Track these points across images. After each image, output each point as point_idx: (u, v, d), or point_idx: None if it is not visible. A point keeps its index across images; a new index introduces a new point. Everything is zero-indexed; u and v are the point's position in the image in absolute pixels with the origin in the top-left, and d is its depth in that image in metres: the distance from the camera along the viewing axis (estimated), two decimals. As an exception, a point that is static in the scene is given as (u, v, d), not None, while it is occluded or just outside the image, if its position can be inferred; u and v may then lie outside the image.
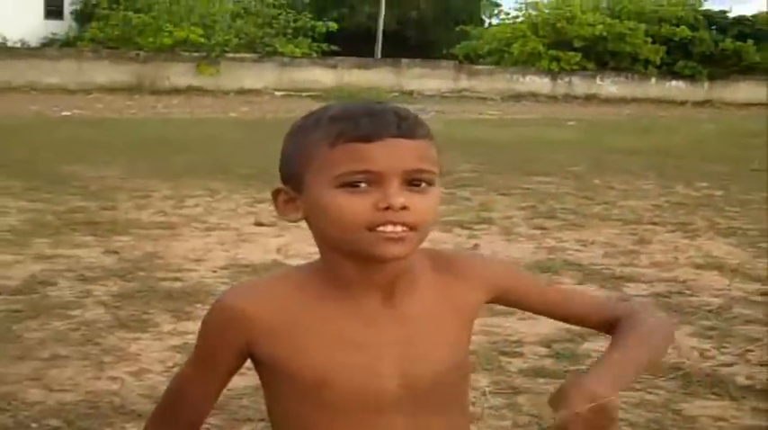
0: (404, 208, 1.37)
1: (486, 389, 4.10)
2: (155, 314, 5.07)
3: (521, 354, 4.59)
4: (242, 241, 7.21)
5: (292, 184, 1.47)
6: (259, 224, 7.74)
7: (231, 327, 1.48)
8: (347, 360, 1.46)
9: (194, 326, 4.83)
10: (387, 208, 1.37)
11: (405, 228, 1.38)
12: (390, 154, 1.38)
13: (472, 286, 1.55)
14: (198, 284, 5.76)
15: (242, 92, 29.71)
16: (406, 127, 1.40)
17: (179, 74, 30.06)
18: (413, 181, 1.40)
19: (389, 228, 1.38)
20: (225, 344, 1.50)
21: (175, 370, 4.19)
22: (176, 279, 5.87)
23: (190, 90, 29.29)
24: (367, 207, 1.38)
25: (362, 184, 1.38)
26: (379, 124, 1.39)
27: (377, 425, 1.47)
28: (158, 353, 4.45)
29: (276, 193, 1.50)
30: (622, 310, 1.62)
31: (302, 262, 5.93)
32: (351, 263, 1.44)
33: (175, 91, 28.82)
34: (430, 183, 1.42)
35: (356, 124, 1.39)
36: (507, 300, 1.62)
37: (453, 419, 1.54)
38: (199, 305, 5.27)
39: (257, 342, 1.48)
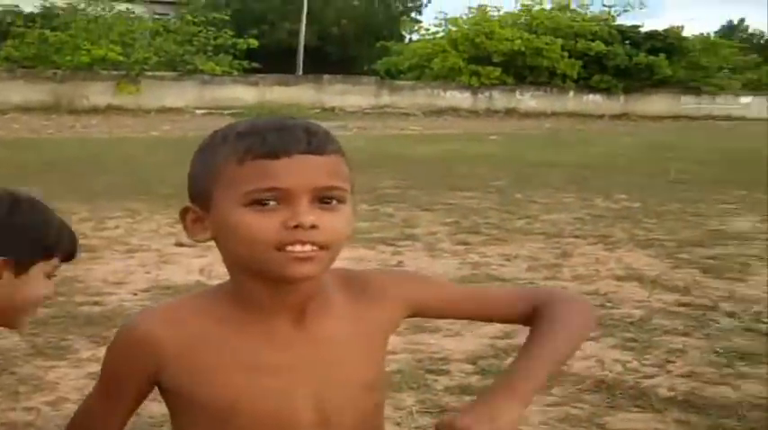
0: (313, 226, 1.34)
1: (413, 408, 4.09)
2: (73, 340, 4.96)
3: (447, 372, 4.60)
4: (163, 262, 7.11)
5: (200, 203, 1.41)
6: (180, 245, 7.64)
7: (139, 353, 1.43)
8: (259, 385, 1.41)
9: (115, 353, 4.74)
10: (296, 226, 1.33)
11: (314, 248, 1.34)
12: (299, 171, 1.34)
13: (386, 306, 1.51)
14: (118, 308, 5.65)
15: (163, 110, 29.34)
16: (316, 143, 1.37)
17: (98, 93, 29.56)
18: (323, 198, 1.36)
19: (298, 247, 1.33)
20: (132, 370, 1.45)
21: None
22: (96, 303, 5.75)
23: (109, 109, 28.81)
24: (275, 226, 1.34)
25: (271, 202, 1.34)
26: (288, 140, 1.35)
27: None
28: (76, 381, 4.35)
29: (184, 212, 1.44)
30: (541, 298, 1.57)
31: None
32: (261, 284, 1.40)
33: (94, 110, 28.30)
34: (341, 201, 1.39)
35: (263, 140, 1.35)
36: (426, 312, 1.59)
37: None
38: (117, 330, 5.16)
39: (166, 368, 1.43)
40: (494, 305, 1.61)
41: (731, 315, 5.80)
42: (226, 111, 29.06)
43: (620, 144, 20.42)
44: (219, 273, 6.25)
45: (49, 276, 1.78)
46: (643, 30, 39.10)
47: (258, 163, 1.34)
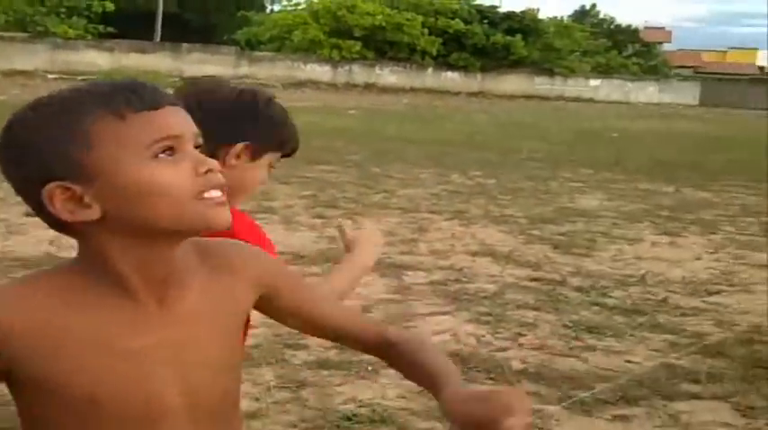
0: (218, 170, 1.29)
1: (271, 383, 4.08)
2: None
3: (305, 346, 4.60)
4: (11, 233, 6.84)
5: (73, 178, 1.25)
6: (29, 215, 7.36)
7: None
8: (119, 371, 1.32)
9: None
10: (207, 171, 1.27)
11: (222, 193, 1.29)
12: (179, 118, 1.29)
13: (244, 281, 1.44)
14: (-38, 281, 5.40)
15: (11, 73, 28.12)
16: (172, 96, 1.33)
17: (-61, 52, 28.15)
18: (197, 145, 1.30)
19: (214, 193, 1.27)
20: None
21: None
22: (-63, 275, 5.49)
23: (-49, 70, 27.49)
24: (188, 174, 1.26)
25: (169, 154, 1.26)
26: (156, 93, 1.28)
27: None
28: None
29: (50, 196, 1.24)
30: (397, 335, 1.54)
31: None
32: (135, 257, 1.29)
33: (-66, 70, 26.98)
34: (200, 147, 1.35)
35: (136, 94, 1.26)
36: (272, 298, 1.49)
37: (231, 423, 1.50)
38: (-37, 303, 4.94)
39: (15, 357, 1.29)
40: (351, 324, 1.54)
41: (579, 289, 6.01)
42: (79, 77, 28.11)
43: (475, 121, 20.85)
44: (71, 243, 6.07)
45: (270, 167, 2.00)
46: (501, 10, 39.97)
47: (145, 115, 1.25)
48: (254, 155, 1.95)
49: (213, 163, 1.28)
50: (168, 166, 1.25)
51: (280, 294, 1.49)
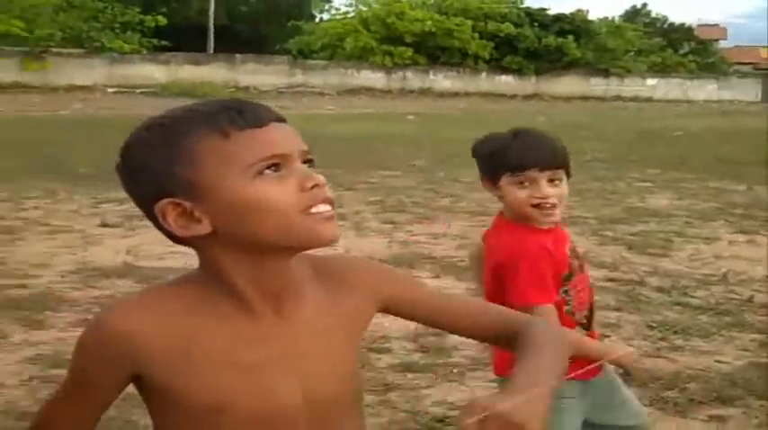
0: (325, 184, 1.31)
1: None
2: (3, 324, 4.80)
3: (389, 350, 4.59)
4: (88, 244, 6.93)
5: (183, 195, 1.30)
6: (105, 225, 7.47)
7: (115, 351, 1.32)
8: (241, 382, 1.36)
9: (47, 336, 4.60)
10: (313, 187, 1.29)
11: (331, 207, 1.31)
12: (286, 135, 1.32)
13: (360, 295, 1.46)
14: (46, 290, 5.49)
15: (72, 88, 28.64)
16: (276, 113, 1.35)
17: (3, 69, 28.69)
18: (306, 162, 1.33)
19: (322, 207, 1.29)
20: (107, 369, 1.34)
21: (33, 383, 3.98)
22: (22, 286, 5.58)
23: (16, 86, 28.00)
24: (294, 190, 1.28)
25: (275, 170, 1.29)
26: (260, 111, 1.32)
27: None
28: (12, 366, 4.21)
29: (162, 212, 1.30)
30: (519, 323, 1.51)
31: (154, 264, 5.75)
32: (249, 270, 1.33)
33: (0, 87, 27.48)
34: (313, 165, 1.36)
35: (241, 113, 1.30)
36: (397, 309, 1.51)
37: (354, 425, 1.50)
38: (49, 313, 5.02)
39: (146, 367, 1.33)
40: (471, 318, 1.53)
41: (660, 289, 5.93)
42: (138, 90, 28.54)
43: (534, 124, 20.58)
44: (148, 253, 6.20)
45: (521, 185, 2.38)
46: (550, 12, 39.72)
47: (249, 132, 1.29)
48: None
49: (320, 178, 1.30)
50: (273, 183, 1.28)
51: (402, 305, 1.50)
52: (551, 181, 2.38)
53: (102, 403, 1.40)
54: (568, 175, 2.47)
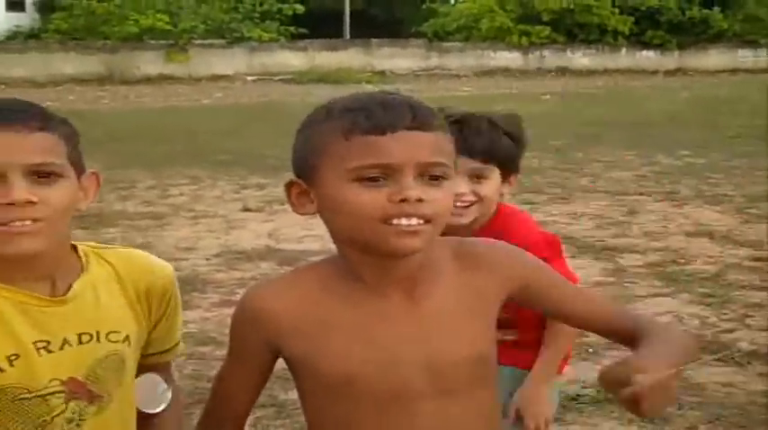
0: (419, 200, 1.36)
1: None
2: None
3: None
4: (231, 228, 7.17)
5: (305, 177, 1.44)
6: (247, 209, 7.70)
7: (257, 326, 1.48)
8: (370, 357, 1.44)
9: (194, 315, 4.80)
10: (401, 200, 1.35)
11: (420, 221, 1.37)
12: (405, 146, 1.36)
13: (495, 277, 1.51)
14: (193, 273, 5.72)
15: (213, 78, 29.48)
16: (420, 119, 1.38)
17: (148, 62, 29.77)
18: (428, 174, 1.38)
19: (404, 220, 1.36)
20: (252, 340, 1.50)
21: (180, 360, 4.16)
22: (170, 269, 5.82)
23: (161, 78, 29.02)
24: (382, 200, 1.35)
25: (378, 177, 1.36)
26: (393, 116, 1.37)
27: (406, 414, 1.46)
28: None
29: (289, 186, 1.47)
30: (645, 322, 1.54)
31: (294, 246, 5.91)
32: (368, 257, 1.43)
33: (146, 79, 28.54)
34: (444, 177, 1.40)
35: (369, 115, 1.37)
36: (528, 295, 1.54)
37: (482, 409, 1.52)
38: (196, 294, 5.23)
39: (283, 340, 1.48)
40: (600, 313, 1.56)
41: (808, 269, 5.71)
42: (276, 77, 29.14)
43: (677, 100, 20.12)
44: (288, 236, 6.37)
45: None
46: (695, -17, 38.34)
47: (365, 138, 1.36)
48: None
49: (410, 194, 1.35)
50: (365, 190, 1.36)
51: (531, 291, 1.53)
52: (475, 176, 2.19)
53: (253, 369, 1.54)
54: (505, 172, 2.30)
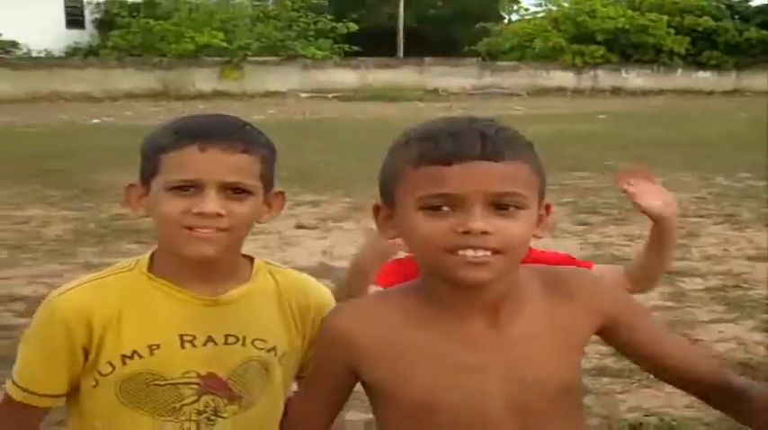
0: (484, 232, 1.33)
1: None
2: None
3: (584, 354, 4.50)
4: (286, 244, 7.18)
5: (387, 203, 1.46)
6: (301, 227, 7.71)
7: (340, 348, 1.48)
8: (453, 384, 1.42)
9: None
10: (465, 232, 1.34)
11: (487, 253, 1.34)
12: (471, 177, 1.34)
13: (583, 308, 1.47)
14: (247, 290, 5.71)
15: (267, 95, 29.73)
16: (491, 149, 1.35)
17: (203, 79, 30.14)
18: (498, 204, 1.35)
19: (470, 252, 1.34)
20: (334, 362, 1.51)
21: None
22: (226, 285, 5.83)
23: (215, 94, 29.34)
24: (444, 230, 1.35)
25: (444, 208, 1.35)
26: (461, 145, 1.35)
27: None
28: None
29: (376, 210, 1.49)
30: (733, 378, 1.51)
31: (347, 264, 5.84)
32: (445, 284, 1.40)
33: (201, 96, 28.87)
34: (519, 206, 1.36)
35: (436, 145, 1.36)
36: (616, 332, 1.49)
37: None
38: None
39: (363, 364, 1.47)
40: (691, 363, 1.50)
41: None
42: (330, 95, 29.31)
43: (735, 121, 19.84)
44: (341, 254, 6.33)
45: None
46: (753, 4, 37.89)
47: (431, 169, 1.36)
48: None
49: (473, 226, 1.33)
50: (430, 220, 1.36)
51: (620, 328, 1.49)
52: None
53: (331, 392, 1.55)
54: None
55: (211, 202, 1.57)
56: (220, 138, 1.58)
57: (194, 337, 1.65)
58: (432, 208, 1.35)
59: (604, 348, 4.59)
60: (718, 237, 7.42)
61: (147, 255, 1.70)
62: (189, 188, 1.58)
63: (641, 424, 3.75)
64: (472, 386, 1.42)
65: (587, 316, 1.47)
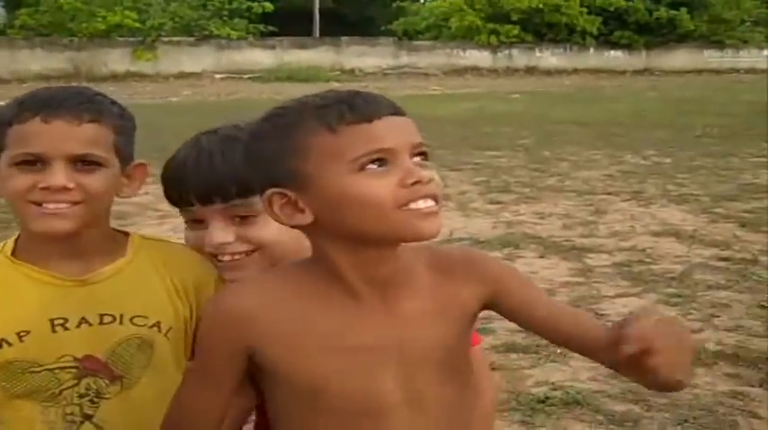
0: (431, 180, 1.31)
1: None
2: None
3: (492, 331, 4.57)
4: (197, 227, 7.10)
5: (291, 186, 1.34)
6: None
7: (234, 330, 1.40)
8: (345, 365, 1.39)
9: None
10: (415, 182, 1.30)
11: (434, 202, 1.32)
12: (397, 130, 1.32)
13: (466, 281, 1.46)
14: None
15: (181, 76, 29.33)
16: (395, 105, 1.36)
17: (116, 60, 29.57)
18: (417, 154, 1.33)
19: (422, 203, 1.30)
20: (226, 345, 1.42)
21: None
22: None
23: (128, 75, 28.83)
24: (392, 186, 1.29)
25: (380, 165, 1.30)
26: (375, 104, 1.33)
27: (377, 428, 1.41)
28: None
29: (269, 201, 1.36)
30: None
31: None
32: (360, 256, 1.36)
33: (113, 77, 28.32)
34: (426, 157, 1.36)
35: (352, 106, 1.32)
36: (503, 304, 1.46)
37: (455, 419, 1.48)
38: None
39: (256, 343, 1.40)
40: (582, 326, 1.44)
41: (774, 268, 5.74)
42: (245, 76, 29.04)
43: (644, 100, 20.27)
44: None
45: None
46: (663, -16, 38.65)
47: (356, 127, 1.31)
48: None
49: (422, 174, 1.31)
50: (374, 178, 1.30)
51: (504, 297, 1.47)
52: None
53: (226, 378, 1.45)
54: None
55: (58, 175, 1.51)
56: (66, 108, 1.52)
57: (66, 320, 1.59)
58: (371, 167, 1.30)
59: (512, 325, 4.68)
60: (624, 213, 7.57)
61: (13, 238, 1.64)
62: (35, 163, 1.52)
63: (548, 397, 3.81)
64: (362, 367, 1.39)
65: (471, 288, 1.46)
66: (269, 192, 1.36)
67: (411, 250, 1.41)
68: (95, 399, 1.62)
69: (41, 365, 1.58)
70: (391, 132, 1.32)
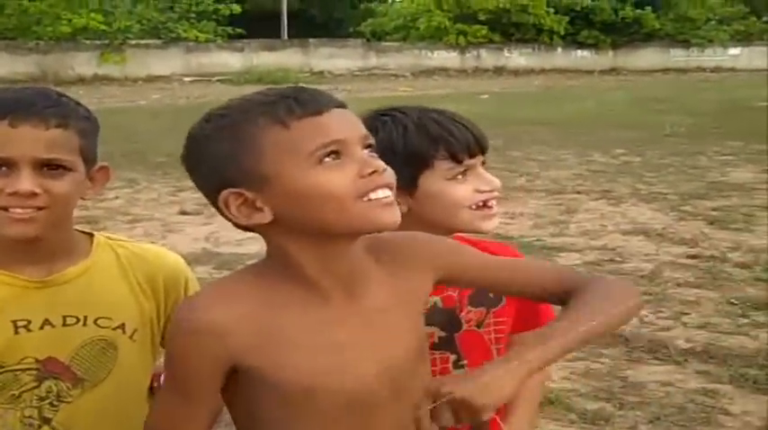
0: (385, 169, 1.32)
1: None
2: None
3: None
4: (168, 231, 7.08)
5: (247, 185, 1.32)
6: (184, 213, 7.61)
7: (209, 345, 1.34)
8: (329, 362, 1.38)
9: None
10: (372, 172, 1.30)
11: (391, 193, 1.32)
12: (345, 122, 1.33)
13: (418, 269, 1.47)
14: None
15: (150, 79, 29.13)
16: (337, 99, 1.37)
17: (83, 63, 29.31)
18: (367, 145, 1.34)
19: (380, 193, 1.31)
20: (207, 365, 1.36)
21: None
22: (105, 275, 5.71)
23: (95, 79, 28.58)
24: (351, 177, 1.29)
25: (335, 158, 1.30)
26: (320, 97, 1.34)
27: (366, 424, 1.41)
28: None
29: (225, 202, 1.33)
30: (577, 281, 1.47)
31: (232, 250, 5.81)
32: (321, 250, 1.35)
33: (80, 80, 28.06)
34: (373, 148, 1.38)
35: (298, 100, 1.32)
36: (453, 277, 1.49)
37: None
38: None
39: (239, 358, 1.36)
40: (528, 278, 1.50)
41: (741, 265, 5.81)
42: (214, 78, 28.91)
43: (612, 99, 20.39)
44: (226, 240, 6.24)
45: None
46: (628, -17, 38.91)
47: (307, 121, 1.31)
48: None
49: (378, 164, 1.31)
50: (332, 170, 1.30)
51: (453, 269, 1.49)
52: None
53: (210, 405, 1.41)
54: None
55: (25, 181, 1.50)
56: (33, 112, 1.51)
57: (29, 322, 1.58)
58: (327, 158, 1.29)
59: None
60: (594, 212, 7.63)
61: None
62: (1, 167, 1.51)
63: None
64: (343, 363, 1.38)
65: (424, 275, 1.47)
66: (225, 193, 1.33)
67: (358, 241, 1.39)
68: (55, 403, 1.60)
69: (3, 367, 1.57)
70: (342, 124, 1.32)
